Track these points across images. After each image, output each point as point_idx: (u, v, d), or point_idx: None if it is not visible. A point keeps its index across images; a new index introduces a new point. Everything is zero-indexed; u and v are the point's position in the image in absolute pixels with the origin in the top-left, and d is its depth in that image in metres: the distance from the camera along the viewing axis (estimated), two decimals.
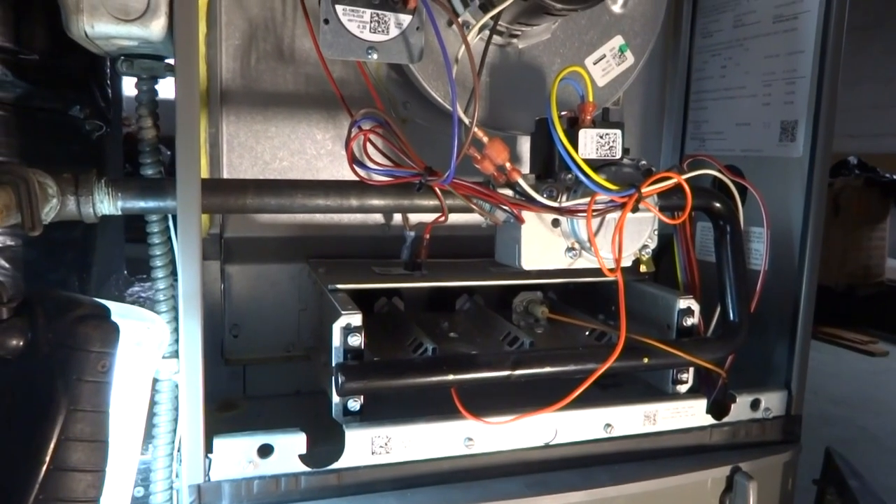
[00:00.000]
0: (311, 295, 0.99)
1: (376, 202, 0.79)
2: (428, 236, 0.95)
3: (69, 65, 1.00)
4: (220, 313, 0.97)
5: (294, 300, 1.00)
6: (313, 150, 0.99)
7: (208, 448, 0.71)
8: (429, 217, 0.86)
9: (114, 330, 0.57)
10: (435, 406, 0.79)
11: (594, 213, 0.79)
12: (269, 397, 0.99)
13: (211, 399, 0.95)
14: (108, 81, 1.14)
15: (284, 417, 0.76)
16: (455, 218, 1.02)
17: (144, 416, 0.70)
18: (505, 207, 0.79)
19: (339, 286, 0.86)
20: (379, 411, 0.78)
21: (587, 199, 0.78)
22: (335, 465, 0.74)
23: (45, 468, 0.53)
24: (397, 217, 1.03)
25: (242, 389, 1.00)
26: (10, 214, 0.60)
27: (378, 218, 1.04)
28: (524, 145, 1.05)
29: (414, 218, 0.98)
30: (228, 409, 0.95)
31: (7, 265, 0.92)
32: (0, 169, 0.62)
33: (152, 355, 0.68)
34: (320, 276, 0.91)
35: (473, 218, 1.04)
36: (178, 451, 0.77)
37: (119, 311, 0.60)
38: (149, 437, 0.81)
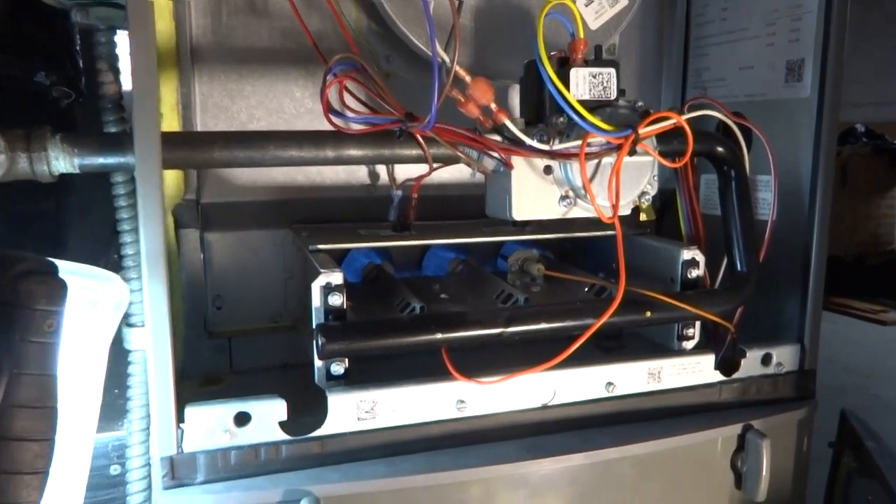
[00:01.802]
0: (296, 261, 0.94)
1: (354, 152, 0.74)
2: (416, 196, 0.90)
3: (32, 29, 0.95)
4: (202, 284, 0.93)
5: (279, 268, 0.95)
6: (292, 109, 0.94)
7: (180, 418, 0.66)
8: (416, 173, 0.81)
9: (61, 286, 0.52)
10: (427, 372, 0.74)
11: (588, 157, 0.73)
12: (257, 371, 0.95)
13: (195, 374, 0.92)
14: (78, 49, 1.09)
15: (271, 390, 0.71)
16: (444, 177, 0.98)
17: (101, 380, 0.65)
18: (493, 154, 0.74)
19: (321, 246, 0.82)
20: (367, 380, 0.73)
21: (581, 142, 0.72)
22: (318, 433, 0.70)
23: None
24: (384, 177, 0.98)
25: (229, 364, 0.95)
26: None
27: (363, 178, 0.98)
28: (515, 99, 0.99)
29: (400, 176, 0.93)
30: (213, 384, 0.91)
31: None
32: None
33: (109, 316, 0.63)
34: (303, 239, 0.86)
35: (463, 175, 1.00)
36: None
37: (68, 269, 0.55)
38: (123, 411, 0.77)
